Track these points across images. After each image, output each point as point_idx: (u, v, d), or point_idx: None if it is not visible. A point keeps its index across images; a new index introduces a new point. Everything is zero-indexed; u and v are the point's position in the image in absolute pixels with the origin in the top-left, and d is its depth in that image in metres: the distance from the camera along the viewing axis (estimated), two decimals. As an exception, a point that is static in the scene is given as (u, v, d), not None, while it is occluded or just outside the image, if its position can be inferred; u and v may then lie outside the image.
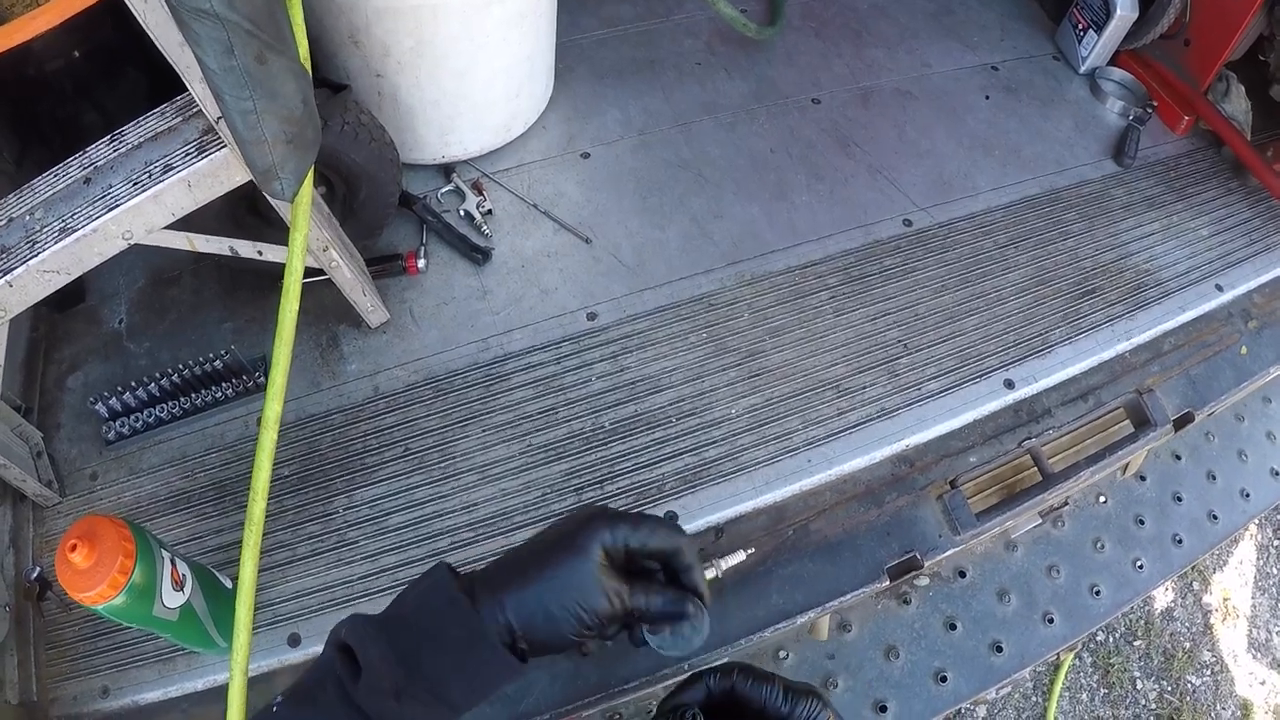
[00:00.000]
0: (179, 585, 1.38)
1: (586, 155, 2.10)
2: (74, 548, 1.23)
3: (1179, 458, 2.17)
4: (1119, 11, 2.30)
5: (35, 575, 1.70)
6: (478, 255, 1.88)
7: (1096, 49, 2.41)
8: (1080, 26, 2.43)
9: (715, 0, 2.15)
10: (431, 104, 1.91)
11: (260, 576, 1.48)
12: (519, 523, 1.57)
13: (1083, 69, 2.45)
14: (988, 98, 2.36)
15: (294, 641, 1.53)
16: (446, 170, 2.04)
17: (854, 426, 1.69)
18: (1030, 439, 1.76)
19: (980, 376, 1.79)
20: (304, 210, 1.43)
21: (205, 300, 1.94)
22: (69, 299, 2.03)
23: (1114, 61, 2.46)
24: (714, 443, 1.65)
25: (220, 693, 1.46)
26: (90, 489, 1.77)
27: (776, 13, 2.45)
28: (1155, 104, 2.36)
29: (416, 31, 1.77)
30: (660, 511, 1.57)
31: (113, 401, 1.79)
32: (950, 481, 1.69)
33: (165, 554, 1.36)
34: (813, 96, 2.28)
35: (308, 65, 1.38)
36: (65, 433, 1.85)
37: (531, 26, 1.92)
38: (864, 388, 1.74)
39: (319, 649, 1.48)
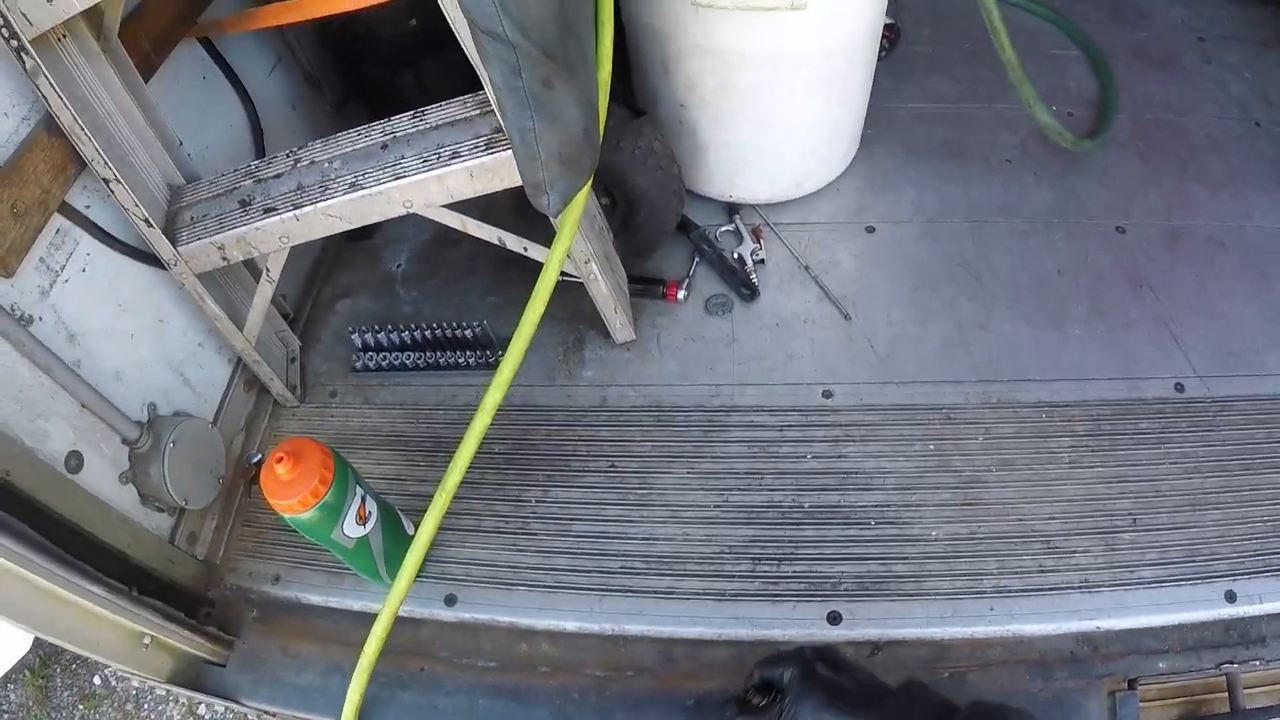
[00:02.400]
0: (363, 520, 1.43)
1: (871, 230, 1.92)
2: (281, 460, 1.30)
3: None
4: None
5: (256, 460, 1.83)
6: (745, 291, 1.76)
7: None
8: None
9: (1032, 105, 1.88)
10: (725, 144, 1.85)
11: (440, 535, 1.53)
12: (690, 570, 1.51)
13: None
14: (1312, 267, 1.94)
15: (450, 601, 1.54)
16: (731, 209, 1.93)
17: (1050, 589, 1.49)
18: (1233, 663, 1.46)
19: (1203, 579, 1.52)
20: (571, 224, 1.41)
21: (476, 270, 1.97)
22: (360, 232, 2.06)
23: None
24: (904, 559, 1.50)
25: (369, 620, 1.48)
26: (326, 404, 1.83)
27: (1103, 124, 2.13)
28: None
29: (723, 73, 1.70)
30: (826, 609, 1.43)
31: (369, 336, 1.86)
32: (1129, 681, 1.45)
33: (360, 490, 1.41)
34: (1118, 224, 1.98)
35: (605, 91, 1.36)
36: (321, 349, 1.93)
37: (840, 90, 1.79)
38: (1074, 552, 1.51)
39: (471, 615, 1.51)
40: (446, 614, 1.53)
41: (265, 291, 1.68)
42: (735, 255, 1.85)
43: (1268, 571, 1.51)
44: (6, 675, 3.86)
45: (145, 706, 3.68)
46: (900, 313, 1.80)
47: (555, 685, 1.47)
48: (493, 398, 1.41)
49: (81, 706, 3.84)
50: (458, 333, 1.78)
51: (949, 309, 1.81)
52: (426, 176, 1.41)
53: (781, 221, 1.94)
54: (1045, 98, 1.94)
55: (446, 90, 1.47)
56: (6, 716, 3.94)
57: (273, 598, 1.65)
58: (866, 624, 1.43)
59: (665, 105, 1.82)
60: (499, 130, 1.37)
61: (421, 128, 1.46)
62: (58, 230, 1.48)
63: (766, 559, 1.49)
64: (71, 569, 1.36)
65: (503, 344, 1.77)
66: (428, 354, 1.80)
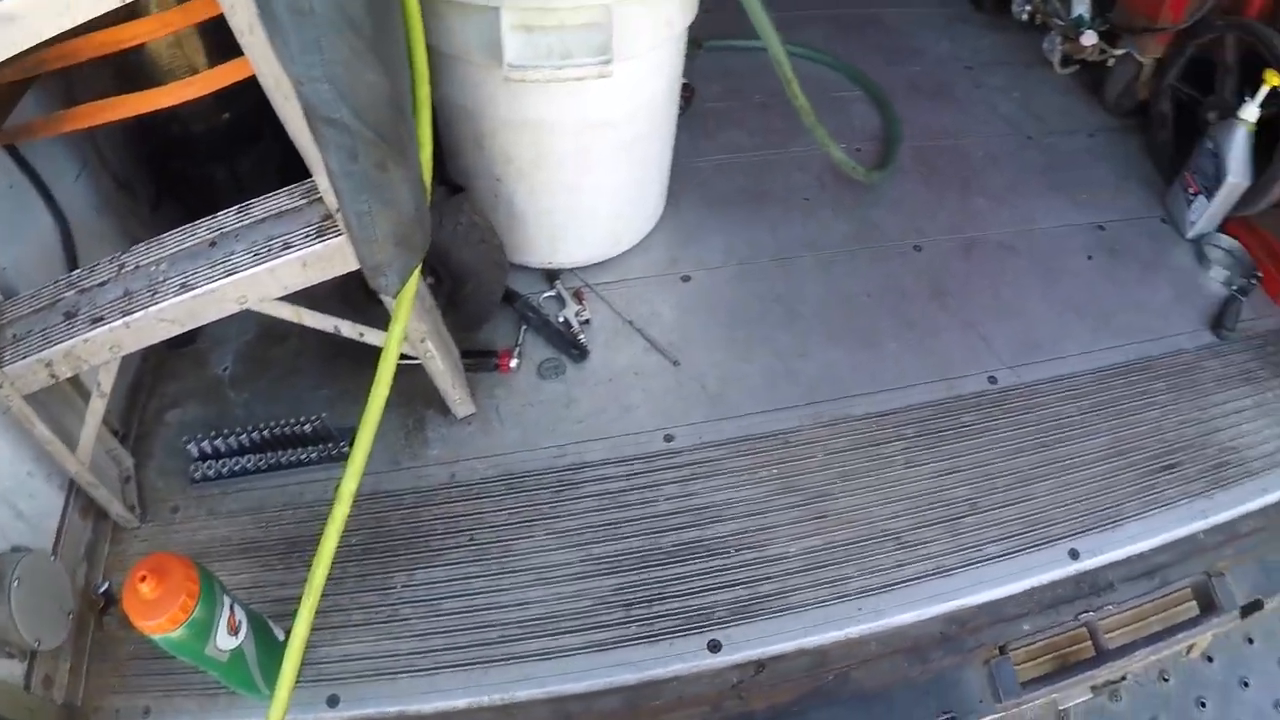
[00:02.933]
0: (234, 631, 1.45)
1: (687, 279, 2.14)
2: (144, 579, 1.31)
3: (1251, 641, 2.06)
4: (1230, 178, 2.24)
5: (103, 590, 1.80)
6: (575, 352, 1.94)
7: (1205, 215, 2.34)
8: (1191, 191, 2.37)
9: (826, 143, 2.18)
10: (544, 212, 2.00)
11: (311, 635, 1.52)
12: (565, 627, 1.60)
13: (1190, 234, 2.39)
14: (1090, 258, 2.32)
15: (333, 702, 1.57)
16: (550, 275, 2.11)
17: (909, 581, 1.67)
18: (1089, 612, 1.70)
19: (1045, 544, 1.75)
20: (406, 304, 1.51)
21: (306, 364, 2.04)
22: (181, 339, 2.14)
23: (1222, 228, 2.38)
24: (769, 579, 1.65)
25: None
26: (169, 521, 1.85)
27: (889, 155, 2.47)
28: (1261, 275, 2.27)
29: (536, 144, 1.87)
30: (705, 639, 1.57)
31: (205, 444, 1.89)
32: (1000, 647, 1.64)
33: (227, 599, 1.43)
34: (915, 243, 2.29)
35: (428, 170, 1.47)
36: (156, 464, 1.95)
37: (643, 151, 2.00)
38: (924, 543, 1.72)
39: (358, 712, 1.56)
40: (331, 715, 1.56)
41: (97, 408, 1.67)
42: (561, 319, 2.00)
43: (1101, 526, 1.75)
44: None
45: None
46: (724, 353, 1.99)
47: None
48: (349, 486, 1.46)
49: None
50: (296, 429, 1.84)
51: (769, 343, 2.01)
52: (259, 270, 1.47)
53: (601, 281, 2.11)
54: (835, 136, 2.22)
55: (262, 183, 1.56)
56: None
57: None
58: (745, 646, 1.55)
59: (480, 179, 1.96)
60: (328, 217, 1.46)
61: (248, 221, 1.53)
62: None
63: (638, 603, 1.60)
64: None
65: (343, 434, 1.85)
66: (268, 454, 1.85)
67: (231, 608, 1.45)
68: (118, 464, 1.93)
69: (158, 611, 1.33)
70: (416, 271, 1.50)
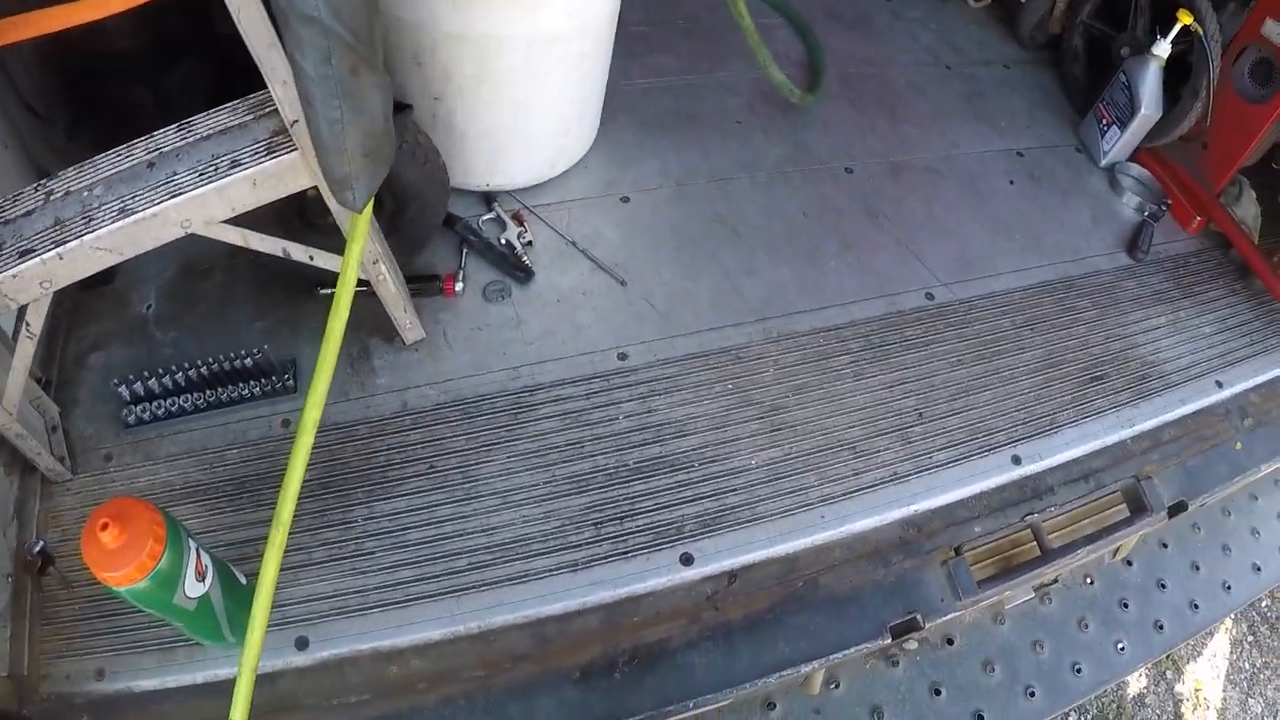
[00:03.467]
0: (201, 576, 1.39)
1: (626, 200, 2.16)
2: (105, 526, 1.23)
3: (1166, 546, 2.22)
4: (1143, 110, 2.39)
5: (38, 549, 1.70)
6: (520, 274, 1.93)
7: (1118, 145, 2.50)
8: (1104, 121, 2.52)
9: (766, 65, 2.22)
10: (485, 132, 1.98)
11: (281, 580, 1.49)
12: (536, 550, 1.61)
13: (1103, 162, 2.55)
14: (1012, 182, 2.44)
15: (302, 644, 1.55)
16: (488, 199, 2.09)
17: (866, 488, 1.75)
18: (1033, 514, 1.81)
19: (989, 450, 1.85)
20: (363, 223, 1.49)
21: (236, 297, 1.98)
22: (96, 278, 2.03)
23: (1134, 158, 2.55)
24: (733, 490, 1.70)
25: (218, 688, 1.50)
26: (103, 470, 1.78)
27: (816, 81, 2.54)
28: (1170, 202, 2.45)
29: (480, 60, 1.84)
30: (677, 553, 1.61)
31: (136, 386, 1.80)
32: (955, 549, 1.74)
33: (192, 543, 1.38)
34: (846, 165, 2.35)
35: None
36: (82, 410, 1.86)
37: (590, 68, 2.00)
38: (878, 451, 1.80)
39: (329, 652, 1.54)
40: (301, 658, 1.54)
41: (26, 350, 1.57)
42: (503, 241, 1.99)
43: (1040, 434, 1.86)
44: None
45: None
46: (670, 272, 2.02)
47: (438, 698, 1.52)
48: (312, 415, 1.41)
49: None
50: (236, 364, 1.78)
51: (714, 261, 2.06)
52: (205, 190, 1.41)
53: (540, 203, 2.11)
54: (753, 65, 2.30)
55: (190, 105, 1.49)
56: None
57: (101, 695, 1.56)
58: (716, 558, 1.60)
59: (418, 100, 1.92)
60: (280, 132, 1.42)
61: (191, 139, 1.46)
62: None
63: (607, 521, 1.63)
64: None
65: (287, 366, 1.81)
66: (206, 393, 1.79)
67: (198, 552, 1.39)
68: (43, 413, 1.82)
69: (123, 561, 1.26)
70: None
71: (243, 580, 1.54)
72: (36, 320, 1.55)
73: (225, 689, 1.40)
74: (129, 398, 1.81)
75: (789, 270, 2.07)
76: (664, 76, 2.51)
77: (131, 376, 1.80)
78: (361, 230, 1.49)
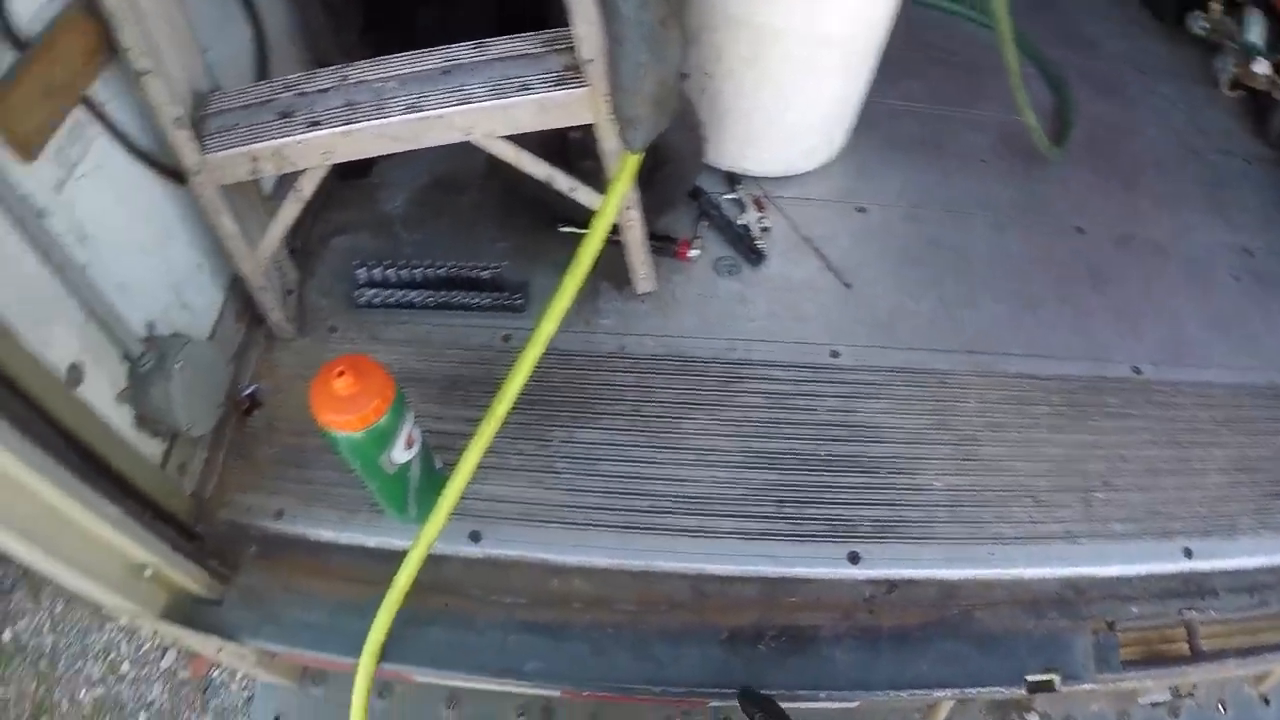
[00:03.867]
0: (409, 446, 1.52)
1: (862, 210, 2.24)
2: (341, 373, 1.35)
3: (1312, 697, 2.19)
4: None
5: (250, 392, 1.89)
6: (753, 256, 2.04)
7: (1359, 270, 2.46)
8: (1348, 234, 2.49)
9: (1023, 107, 2.28)
10: (744, 115, 2.08)
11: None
12: (716, 510, 1.72)
13: (1340, 282, 2.50)
14: (1237, 279, 2.43)
15: (475, 537, 1.71)
16: (733, 179, 2.20)
17: (1039, 538, 1.79)
18: (1191, 611, 1.82)
19: (1164, 536, 1.86)
20: (632, 167, 1.62)
21: (481, 217, 2.14)
22: (353, 171, 2.23)
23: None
24: (912, 505, 1.77)
25: (387, 556, 1.66)
26: (326, 339, 1.96)
27: (1064, 134, 2.57)
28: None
29: (753, 45, 1.95)
30: (846, 549, 1.69)
31: (374, 272, 1.98)
32: (1108, 623, 1.76)
33: (410, 414, 1.50)
34: (1077, 225, 2.39)
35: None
36: (318, 284, 2.06)
37: (852, 76, 2.09)
38: (1058, 507, 1.84)
39: (500, 551, 1.69)
40: (472, 550, 1.69)
41: (291, 212, 1.76)
42: (741, 223, 2.10)
43: (1217, 533, 1.87)
44: None
45: (62, 664, 3.69)
46: (894, 287, 2.10)
47: (590, 620, 1.64)
48: (548, 329, 1.57)
49: None
50: (472, 274, 1.95)
51: (936, 286, 2.12)
52: (493, 105, 1.56)
53: (781, 195, 2.22)
54: (1003, 106, 2.37)
55: (471, 33, 1.65)
56: None
57: (275, 534, 1.74)
58: (882, 564, 1.68)
59: (690, 71, 2.04)
60: (572, 68, 1.55)
61: (485, 58, 1.61)
62: (76, 123, 1.51)
63: (790, 502, 1.72)
64: (88, 487, 1.41)
65: (519, 287, 1.96)
66: (439, 293, 1.95)
67: (412, 424, 1.51)
68: (283, 275, 2.01)
69: (350, 409, 1.37)
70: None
71: (439, 466, 1.68)
72: (309, 186, 1.73)
73: (393, 558, 1.57)
74: (364, 280, 1.98)
75: (1006, 312, 2.12)
76: (916, 102, 2.58)
77: (371, 263, 1.97)
78: (629, 171, 1.62)
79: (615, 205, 1.63)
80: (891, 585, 1.70)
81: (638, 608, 1.65)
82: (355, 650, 1.60)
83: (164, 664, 3.60)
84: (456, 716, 2.24)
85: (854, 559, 1.69)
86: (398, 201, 2.20)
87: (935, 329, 2.05)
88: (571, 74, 1.57)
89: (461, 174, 2.24)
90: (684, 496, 1.73)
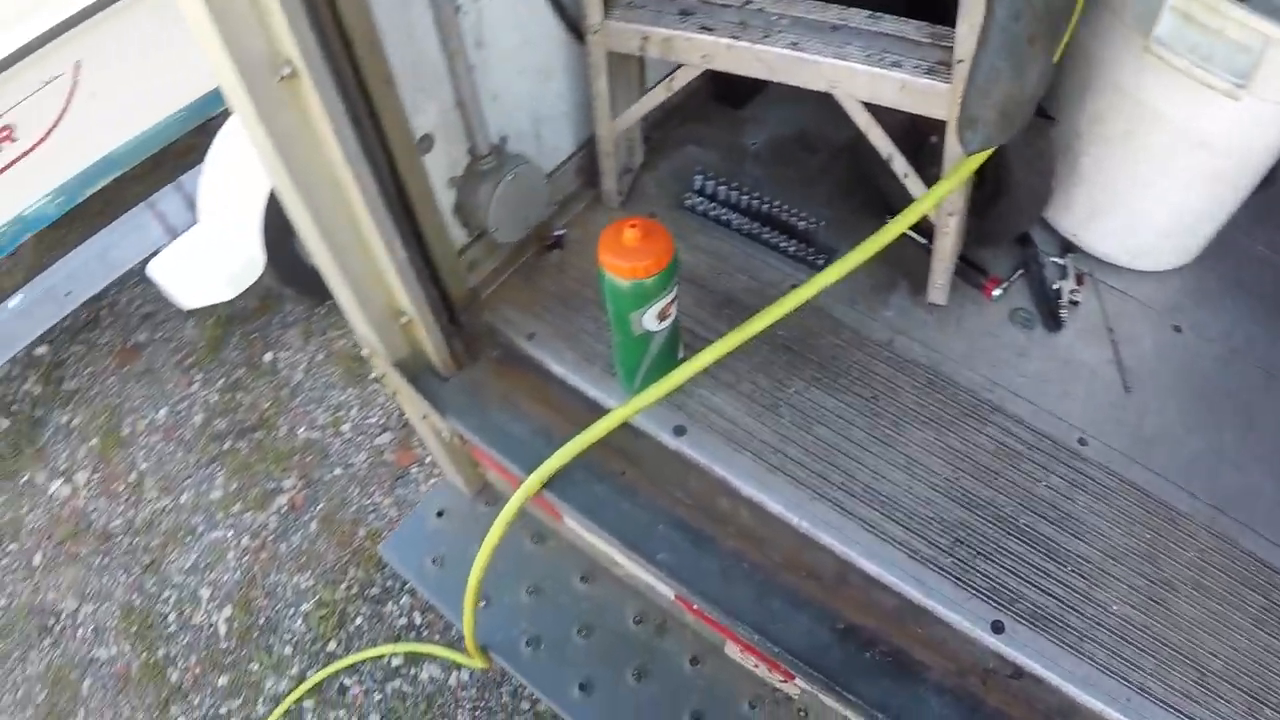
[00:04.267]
0: (663, 318, 1.70)
1: (1178, 329, 2.19)
2: (632, 226, 1.57)
3: None
4: None
5: (559, 233, 2.12)
6: (1051, 322, 2.06)
7: None
8: None
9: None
10: (1099, 189, 2.09)
11: (698, 378, 1.84)
12: (896, 517, 1.79)
13: None
14: None
15: (679, 432, 1.87)
16: (1066, 245, 2.21)
17: (1182, 713, 1.73)
18: None
19: None
20: (965, 171, 1.70)
21: (823, 180, 2.29)
22: (732, 99, 2.43)
23: None
24: (1079, 614, 1.75)
25: (594, 407, 1.89)
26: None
27: None
28: None
29: (1131, 122, 1.95)
30: (994, 616, 1.72)
31: (709, 184, 2.18)
32: None
33: (674, 291, 1.67)
34: None
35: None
36: (655, 175, 2.28)
37: (1227, 193, 2.06)
38: (1220, 698, 1.77)
39: (692, 453, 1.85)
40: (670, 441, 1.85)
41: (657, 96, 1.99)
42: (1055, 287, 2.12)
43: None
44: (193, 310, 4.59)
45: (298, 399, 4.41)
46: (1173, 411, 2.04)
47: (734, 548, 1.76)
48: (829, 277, 1.71)
49: (242, 371, 4.57)
50: (793, 220, 2.09)
51: (1214, 432, 2.05)
52: (862, 69, 1.70)
53: (1104, 280, 2.20)
54: None
55: (885, 5, 1.79)
56: (174, 344, 4.57)
57: (518, 349, 1.98)
58: (1022, 648, 1.68)
59: (1062, 123, 2.06)
60: (943, 63, 1.65)
61: (873, 28, 1.75)
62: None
63: (966, 546, 1.75)
64: (395, 227, 1.68)
65: (825, 251, 2.09)
66: (756, 225, 2.11)
67: (674, 300, 1.68)
68: (630, 154, 2.24)
69: (627, 257, 1.57)
70: (984, 153, 1.67)
71: (679, 353, 1.84)
72: (681, 80, 1.93)
73: (598, 412, 1.80)
74: (697, 187, 2.19)
75: (1271, 490, 2.02)
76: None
77: (711, 175, 2.16)
78: (961, 174, 1.70)
79: (935, 200, 1.72)
80: (1018, 672, 1.71)
81: (781, 561, 1.76)
82: (530, 469, 1.81)
83: (377, 441, 4.11)
84: (586, 591, 2.48)
85: (997, 628, 1.71)
86: (757, 139, 2.39)
87: (1192, 469, 1.99)
88: (941, 68, 1.66)
89: (822, 139, 2.39)
90: (875, 491, 1.80)
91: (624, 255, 1.58)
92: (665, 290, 1.66)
